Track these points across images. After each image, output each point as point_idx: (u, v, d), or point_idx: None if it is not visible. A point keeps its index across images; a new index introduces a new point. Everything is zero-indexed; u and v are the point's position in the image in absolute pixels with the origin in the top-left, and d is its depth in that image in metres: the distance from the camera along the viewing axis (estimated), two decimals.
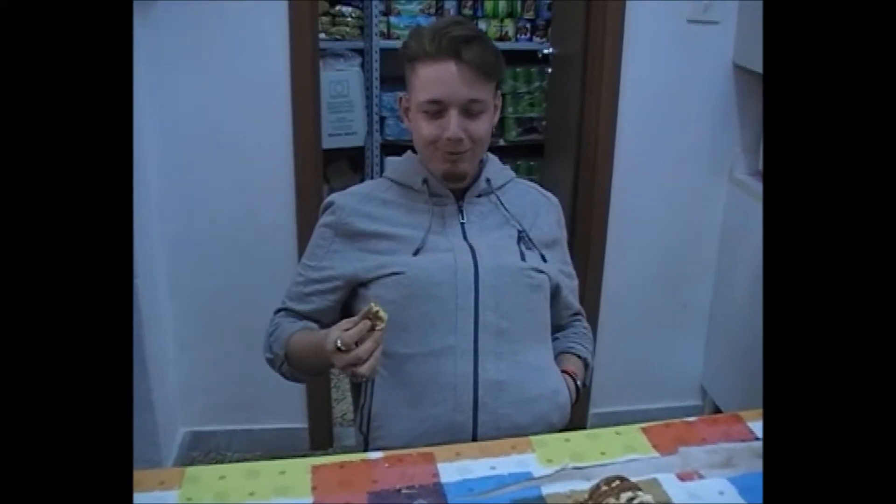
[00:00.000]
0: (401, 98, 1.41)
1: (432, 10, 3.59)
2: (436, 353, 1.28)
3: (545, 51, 3.03)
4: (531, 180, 1.57)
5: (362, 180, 3.34)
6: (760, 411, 1.19)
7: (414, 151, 1.43)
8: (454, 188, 1.40)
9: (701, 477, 1.08)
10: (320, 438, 2.46)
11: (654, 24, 2.23)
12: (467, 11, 3.60)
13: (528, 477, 1.07)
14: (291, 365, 1.36)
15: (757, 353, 1.04)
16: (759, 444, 1.14)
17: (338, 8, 3.43)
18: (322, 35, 3.21)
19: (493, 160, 1.49)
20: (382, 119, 3.64)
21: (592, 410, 2.57)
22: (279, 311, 1.44)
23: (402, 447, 1.16)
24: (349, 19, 3.44)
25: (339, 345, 1.13)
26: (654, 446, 1.15)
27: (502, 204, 1.42)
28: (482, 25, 3.52)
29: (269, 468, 1.07)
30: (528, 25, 3.62)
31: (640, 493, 0.92)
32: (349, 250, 1.38)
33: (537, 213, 1.45)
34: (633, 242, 2.43)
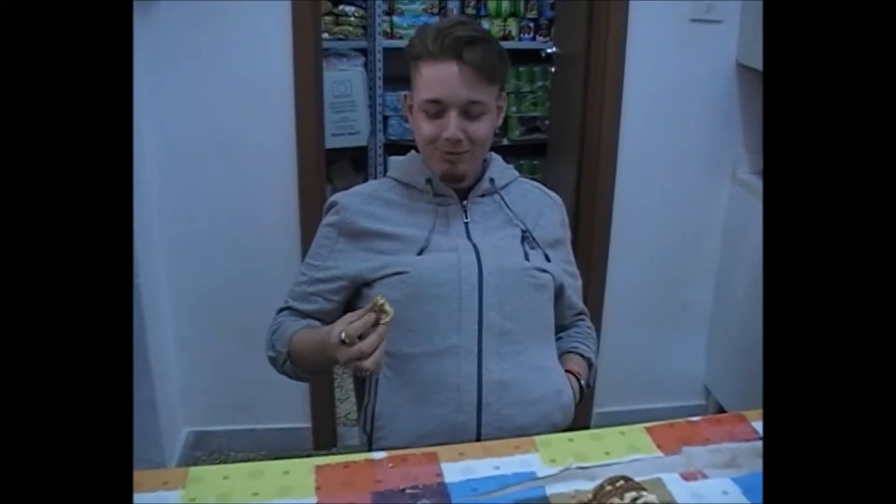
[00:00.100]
0: (405, 96, 1.41)
1: (435, 10, 3.58)
2: (439, 353, 1.28)
3: (548, 50, 3.03)
4: (534, 179, 1.57)
5: (365, 180, 3.34)
6: None
7: (417, 151, 1.43)
8: (457, 188, 1.40)
9: (705, 477, 1.08)
10: (324, 438, 2.47)
11: (656, 23, 2.22)
12: (470, 11, 3.60)
13: (531, 477, 1.06)
14: (294, 363, 1.36)
15: (760, 353, 1.04)
16: None
17: (341, 7, 3.43)
18: (325, 35, 3.21)
19: (497, 160, 1.49)
20: (385, 119, 3.64)
21: (596, 410, 2.57)
22: (282, 310, 1.44)
23: (405, 447, 1.15)
24: (352, 19, 3.45)
25: (343, 337, 1.12)
26: (658, 446, 1.15)
27: (506, 203, 1.42)
28: (485, 25, 3.52)
29: (272, 468, 1.07)
30: (531, 25, 3.62)
31: (643, 492, 0.92)
32: (353, 250, 1.38)
33: (541, 212, 1.45)
34: (636, 242, 2.43)
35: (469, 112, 1.32)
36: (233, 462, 2.22)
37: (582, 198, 2.41)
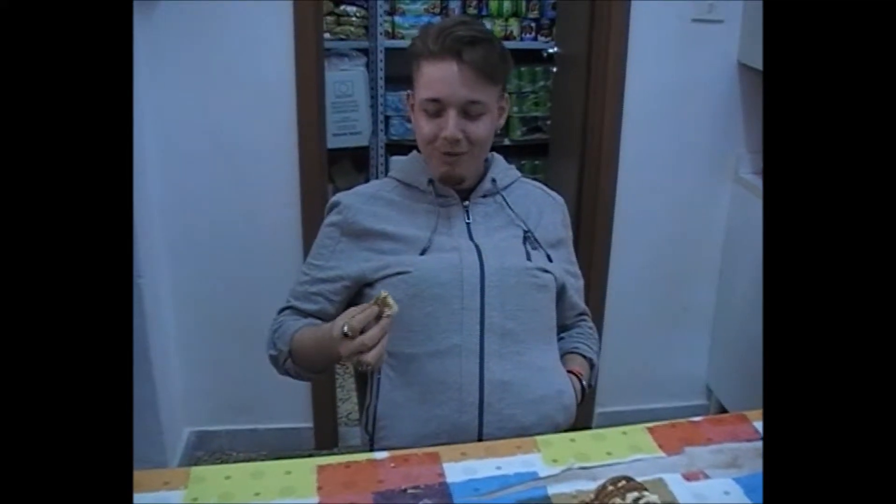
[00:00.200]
0: (408, 94, 1.41)
1: (437, 10, 3.59)
2: (441, 353, 1.28)
3: (550, 50, 3.03)
4: (535, 179, 1.57)
5: (367, 180, 3.35)
6: None
7: (419, 151, 1.43)
8: (458, 189, 1.39)
9: (706, 477, 1.08)
10: (325, 438, 2.47)
11: (658, 23, 2.22)
12: (472, 11, 3.60)
13: (533, 477, 1.06)
14: (295, 361, 1.36)
15: (762, 353, 1.04)
16: None
17: (342, 8, 3.44)
18: (326, 35, 3.22)
19: (499, 160, 1.49)
20: (387, 119, 3.64)
21: (598, 410, 2.57)
22: (283, 310, 1.43)
23: (407, 447, 1.15)
24: (354, 19, 3.45)
25: (345, 330, 1.12)
26: (660, 446, 1.14)
27: (507, 204, 1.42)
28: (487, 24, 3.52)
29: (274, 468, 1.07)
30: (533, 25, 3.63)
31: (645, 493, 0.92)
32: (355, 250, 1.38)
33: (542, 212, 1.45)
34: (637, 242, 2.43)
35: (468, 112, 1.32)
36: (234, 462, 2.22)
37: (583, 198, 2.41)
